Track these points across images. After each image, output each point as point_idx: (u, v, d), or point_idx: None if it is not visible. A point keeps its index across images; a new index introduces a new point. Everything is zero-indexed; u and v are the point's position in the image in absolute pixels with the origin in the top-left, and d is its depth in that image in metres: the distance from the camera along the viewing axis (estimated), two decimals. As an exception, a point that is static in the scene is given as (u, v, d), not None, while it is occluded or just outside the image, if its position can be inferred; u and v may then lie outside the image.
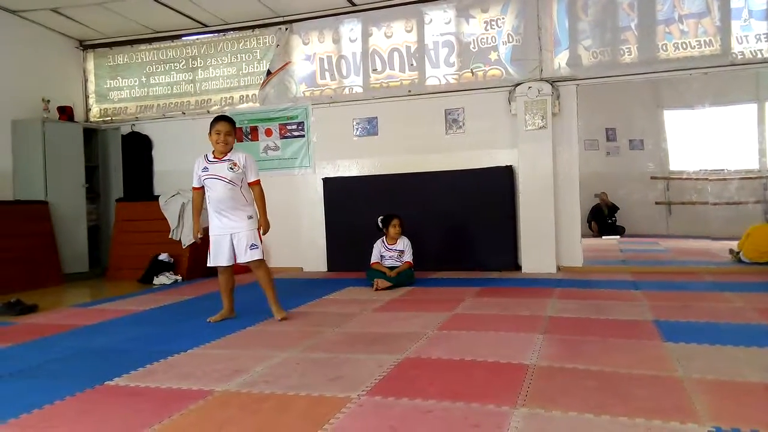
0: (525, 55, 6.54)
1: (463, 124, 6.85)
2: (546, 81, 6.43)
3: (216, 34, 7.88)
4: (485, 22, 6.70)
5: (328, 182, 7.27)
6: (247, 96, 7.73)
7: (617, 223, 10.46)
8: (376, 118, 7.17)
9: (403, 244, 5.97)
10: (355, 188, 7.13)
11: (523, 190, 6.52)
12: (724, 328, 3.61)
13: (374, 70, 7.16)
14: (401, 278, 5.74)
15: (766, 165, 9.08)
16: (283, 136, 7.56)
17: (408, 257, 5.93)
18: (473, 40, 6.76)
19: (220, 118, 4.30)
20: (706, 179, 9.07)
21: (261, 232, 4.41)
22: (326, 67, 7.38)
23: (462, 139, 6.86)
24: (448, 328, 3.89)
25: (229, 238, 4.26)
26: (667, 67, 6.14)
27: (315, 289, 5.83)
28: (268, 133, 7.61)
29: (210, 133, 4.28)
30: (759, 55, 5.85)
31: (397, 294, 5.33)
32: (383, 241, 6.00)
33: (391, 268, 5.81)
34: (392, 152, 7.08)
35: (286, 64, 7.54)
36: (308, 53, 7.46)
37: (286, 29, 7.50)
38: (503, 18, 6.63)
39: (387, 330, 3.91)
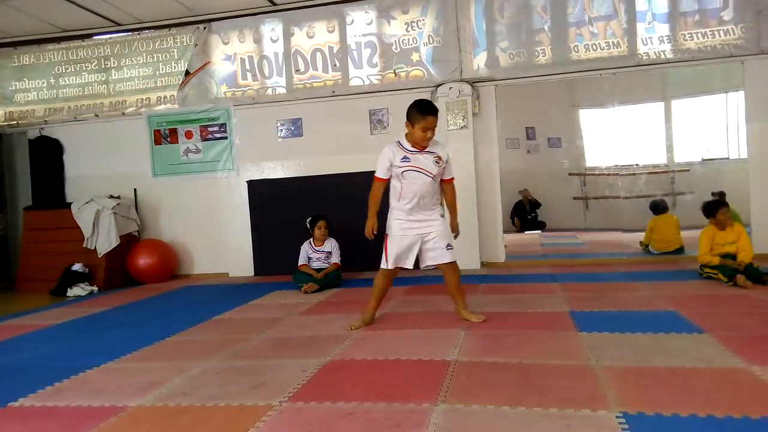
0: (445, 56, 6.65)
1: (388, 125, 6.89)
2: (466, 82, 6.57)
3: (130, 33, 7.56)
4: (406, 23, 6.77)
5: (252, 185, 7.13)
6: (165, 97, 7.47)
7: (538, 219, 10.83)
8: (301, 119, 7.10)
9: (331, 245, 5.94)
10: (280, 190, 7.03)
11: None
12: (633, 316, 3.80)
13: (297, 70, 7.08)
14: (329, 280, 5.71)
15: (673, 160, 9.66)
16: (204, 139, 7.35)
17: (336, 258, 5.90)
18: (395, 41, 6.80)
19: (433, 111, 3.67)
20: (618, 174, 9.56)
21: (457, 236, 4.04)
22: (248, 67, 7.24)
23: (387, 140, 6.81)
24: (374, 329, 3.89)
25: (420, 239, 3.86)
26: (579, 67, 6.40)
27: (241, 294, 5.70)
28: (189, 135, 7.38)
29: (412, 123, 3.69)
30: (662, 56, 6.21)
31: (325, 296, 5.30)
32: (310, 243, 5.95)
33: (319, 270, 5.77)
34: (318, 153, 7.02)
35: (206, 64, 7.34)
36: (228, 53, 7.29)
37: (205, 28, 7.30)
38: (423, 20, 6.71)
39: (313, 333, 3.88)
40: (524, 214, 11.01)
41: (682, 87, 9.51)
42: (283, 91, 7.14)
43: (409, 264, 3.86)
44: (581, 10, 6.37)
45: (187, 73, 7.38)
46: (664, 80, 9.53)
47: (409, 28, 6.76)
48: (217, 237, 7.24)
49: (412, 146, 3.76)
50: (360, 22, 6.90)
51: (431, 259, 3.86)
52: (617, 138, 9.06)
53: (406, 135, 3.80)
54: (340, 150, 6.94)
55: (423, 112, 3.64)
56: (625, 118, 9.64)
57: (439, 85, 6.61)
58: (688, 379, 2.62)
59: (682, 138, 9.71)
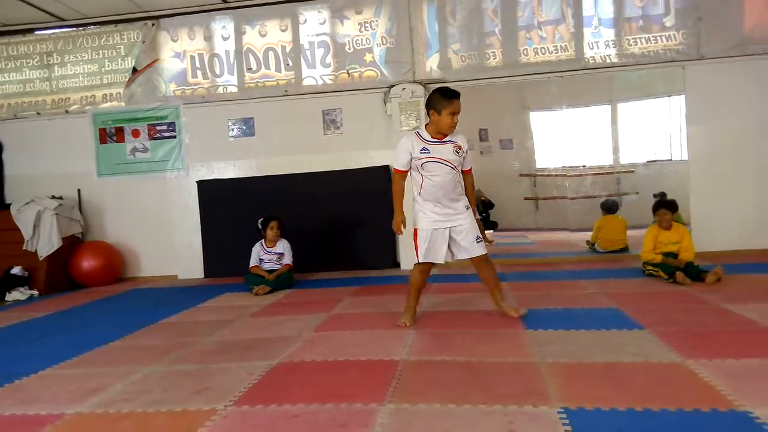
0: (398, 57, 6.67)
1: (341, 125, 6.87)
2: (419, 83, 6.61)
3: (74, 29, 7.30)
4: (359, 23, 6.76)
5: (203, 185, 7.00)
6: (111, 95, 7.25)
7: (491, 219, 10.99)
8: (253, 118, 7.00)
9: (283, 246, 5.88)
10: (232, 191, 6.91)
11: (400, 189, 6.64)
12: (578, 313, 3.89)
13: (249, 69, 6.98)
14: (281, 281, 5.65)
15: (619, 161, 9.97)
16: (152, 138, 7.17)
17: (288, 260, 5.84)
18: (348, 41, 6.79)
19: (457, 94, 3.58)
20: (565, 175, 9.80)
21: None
22: (198, 65, 7.10)
23: (340, 140, 6.87)
24: (325, 330, 3.87)
25: (448, 232, 3.74)
26: (528, 70, 6.53)
27: (190, 297, 5.58)
28: (136, 134, 7.18)
29: (438, 110, 3.57)
30: (608, 60, 6.39)
31: (276, 298, 5.24)
32: (262, 244, 5.87)
33: (271, 272, 5.70)
34: (270, 153, 6.95)
35: (154, 61, 7.16)
36: (178, 50, 7.13)
37: (153, 25, 7.12)
38: (377, 20, 6.72)
39: (262, 335, 3.82)
40: (477, 214, 11.15)
41: (627, 91, 9.82)
42: (234, 89, 7.03)
43: (441, 259, 3.77)
44: (530, 14, 6.49)
45: (134, 70, 7.19)
46: (610, 84, 9.82)
47: (363, 29, 6.76)
48: (165, 238, 7.07)
49: (432, 136, 3.68)
50: (313, 21, 6.85)
51: (464, 253, 3.76)
52: (565, 140, 9.29)
53: (427, 125, 3.72)
54: (293, 150, 6.89)
55: (449, 96, 3.57)
56: (573, 120, 9.90)
57: (392, 86, 6.63)
58: (626, 374, 2.70)
59: (628, 140, 10.03)
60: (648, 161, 9.76)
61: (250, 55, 6.97)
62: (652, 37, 6.28)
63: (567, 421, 2.18)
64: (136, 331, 4.18)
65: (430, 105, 3.64)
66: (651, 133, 9.86)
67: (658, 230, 5.11)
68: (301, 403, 2.53)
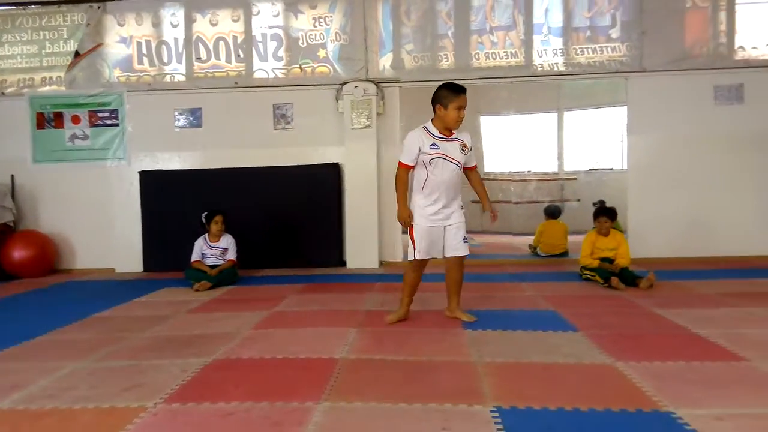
0: (352, 54, 6.65)
1: (292, 120, 6.79)
2: (371, 81, 6.60)
3: (14, 7, 6.95)
4: (314, 18, 6.70)
5: (145, 176, 6.78)
6: (51, 78, 6.94)
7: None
8: (201, 109, 6.84)
9: (227, 241, 5.76)
10: (176, 183, 6.73)
11: (349, 188, 6.63)
12: (517, 315, 3.96)
13: (198, 58, 6.82)
14: (223, 277, 5.53)
15: (563, 168, 10.22)
16: (93, 125, 6.90)
17: (231, 255, 5.73)
18: (302, 35, 6.72)
19: (463, 90, 3.57)
20: (511, 180, 9.99)
21: (494, 219, 3.95)
22: (144, 51, 6.88)
23: (290, 135, 6.79)
24: (265, 327, 3.81)
25: (442, 230, 3.71)
26: (479, 74, 6.61)
27: (127, 291, 5.40)
28: (76, 120, 6.90)
29: (445, 105, 3.56)
30: (556, 68, 6.54)
31: (217, 294, 5.13)
32: (205, 239, 5.74)
33: (213, 267, 5.58)
34: (217, 146, 6.80)
35: (98, 45, 6.89)
36: (124, 36, 6.89)
37: (99, 8, 6.85)
38: (331, 16, 6.68)
39: (199, 332, 3.73)
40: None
41: (574, 99, 10.08)
42: (182, 78, 6.84)
43: (438, 255, 3.74)
44: (483, 19, 6.58)
45: (76, 54, 6.90)
46: (558, 92, 10.06)
47: (317, 24, 6.70)
48: (103, 230, 6.82)
49: (440, 132, 3.63)
50: (266, 13, 6.75)
51: (452, 250, 3.74)
52: (513, 145, 9.47)
53: (433, 120, 3.66)
54: (242, 143, 6.76)
55: (456, 90, 3.56)
56: (520, 126, 10.10)
57: (345, 83, 6.59)
58: (559, 374, 2.77)
59: (572, 148, 10.30)
60: (590, 169, 10.06)
61: (200, 44, 6.80)
62: (599, 47, 6.47)
63: (499, 420, 2.21)
64: (66, 326, 4.01)
65: (436, 100, 3.61)
66: (594, 142, 10.16)
67: (596, 236, 5.26)
68: (235, 401, 2.48)
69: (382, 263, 6.66)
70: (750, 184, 6.39)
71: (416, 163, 3.67)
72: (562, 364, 2.89)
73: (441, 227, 3.70)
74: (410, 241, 3.74)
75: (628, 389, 2.53)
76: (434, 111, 3.65)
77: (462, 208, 3.79)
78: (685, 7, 6.42)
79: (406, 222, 3.74)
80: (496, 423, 2.19)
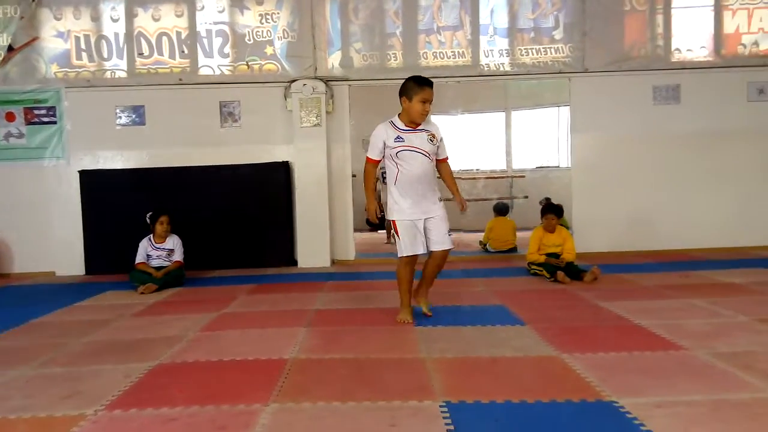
0: (300, 52, 6.58)
1: (239, 118, 6.67)
2: (320, 79, 6.55)
3: (-61, -2, 6.58)
4: (260, 14, 6.60)
5: (86, 175, 6.53)
6: (-18, 73, 6.60)
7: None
8: (144, 106, 6.63)
9: (173, 242, 5.61)
10: (119, 182, 6.51)
11: (299, 187, 6.57)
12: (466, 310, 4.01)
13: (140, 54, 6.61)
14: (169, 279, 5.39)
15: (511, 166, 10.43)
16: (29, 122, 6.59)
17: (178, 256, 5.58)
18: (248, 32, 6.61)
19: (429, 82, 3.55)
20: (460, 178, 10.12)
21: (462, 210, 3.86)
22: (83, 46, 6.62)
23: (238, 133, 6.67)
24: (213, 329, 3.73)
25: (422, 224, 3.63)
26: (427, 74, 6.45)
27: (68, 295, 5.18)
28: (10, 117, 6.58)
29: (410, 97, 3.52)
30: (502, 68, 6.66)
31: (164, 296, 4.99)
32: (150, 240, 5.58)
33: (159, 269, 5.42)
34: (162, 144, 6.61)
35: (33, 39, 6.59)
36: (61, 30, 6.62)
37: (33, 1, 6.55)
38: (278, 13, 6.59)
39: (144, 336, 3.62)
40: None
41: (521, 99, 10.30)
42: (123, 75, 6.62)
43: (422, 249, 3.67)
44: (430, 18, 6.63)
45: (10, 48, 6.58)
46: (505, 92, 10.25)
47: (264, 20, 6.61)
48: (42, 232, 6.53)
49: (406, 125, 3.61)
50: (211, 8, 6.60)
51: (437, 244, 3.68)
52: (461, 144, 9.59)
53: (400, 114, 3.64)
54: (188, 142, 6.60)
55: (420, 83, 3.53)
56: (469, 125, 10.25)
57: (293, 81, 6.53)
58: (507, 367, 2.81)
59: (520, 146, 10.52)
60: (537, 167, 10.29)
61: (142, 39, 6.60)
62: (543, 48, 6.62)
63: (447, 415, 2.23)
64: (2, 333, 3.82)
65: (402, 92, 3.59)
66: (541, 140, 10.41)
67: (542, 233, 5.39)
68: (179, 406, 2.41)
69: (334, 262, 6.63)
70: (689, 180, 6.67)
71: (383, 157, 3.66)
72: (509, 358, 2.94)
73: (421, 221, 3.65)
74: (396, 237, 3.72)
75: (572, 380, 2.60)
76: (401, 103, 3.62)
77: (441, 200, 3.75)
78: (625, 10, 6.64)
79: (373, 216, 3.75)
80: (444, 418, 2.21)
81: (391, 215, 3.70)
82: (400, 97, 3.62)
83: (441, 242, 3.68)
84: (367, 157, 3.71)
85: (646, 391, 2.43)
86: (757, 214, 6.66)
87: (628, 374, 2.65)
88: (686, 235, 6.65)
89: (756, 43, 6.65)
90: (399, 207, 3.65)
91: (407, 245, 3.64)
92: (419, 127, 3.62)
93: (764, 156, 6.66)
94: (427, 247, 3.70)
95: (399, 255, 3.70)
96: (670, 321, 3.56)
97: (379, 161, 3.69)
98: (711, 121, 6.62)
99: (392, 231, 3.82)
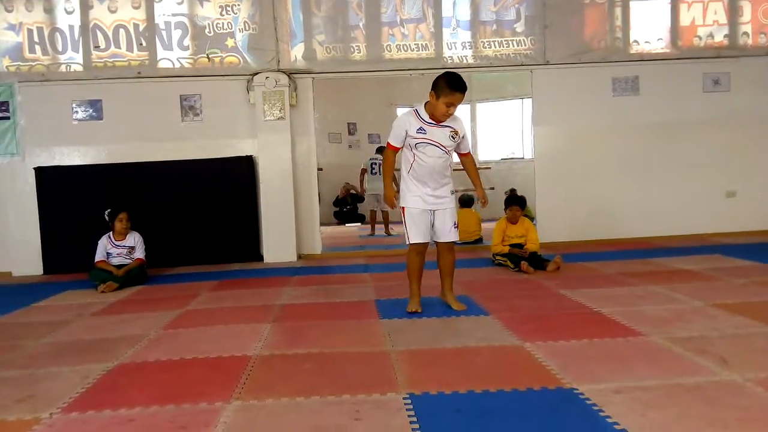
0: (262, 44, 6.49)
1: (201, 112, 6.56)
2: (283, 72, 6.48)
3: None
4: (220, 6, 6.48)
5: (42, 172, 6.34)
6: (-72, 67, 6.34)
7: (359, 212, 11.13)
8: (101, 100, 6.46)
9: (134, 239, 5.50)
10: (76, 179, 6.34)
11: (263, 181, 6.50)
12: (431, 301, 4.02)
13: (96, 47, 6.43)
14: (130, 277, 5.28)
15: (477, 158, 10.50)
16: (-20, 118, 6.37)
17: (139, 254, 5.47)
18: (208, 24, 6.49)
19: (463, 88, 3.43)
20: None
21: (483, 205, 3.92)
22: (36, 39, 6.41)
23: (200, 128, 6.56)
24: (175, 327, 3.67)
25: (431, 214, 3.64)
26: (390, 66, 6.66)
27: (24, 295, 5.04)
28: (-41, 113, 6.34)
29: (437, 95, 3.42)
30: (465, 61, 6.69)
31: (125, 294, 4.89)
32: (110, 237, 5.45)
33: (120, 267, 5.31)
34: (121, 139, 6.45)
35: (-18, 32, 6.36)
36: (12, 22, 6.40)
37: (-19, -8, 6.32)
38: (239, 5, 6.49)
39: (103, 336, 3.54)
40: (345, 207, 11.28)
41: (485, 91, 10.38)
42: (79, 68, 6.44)
43: (429, 239, 3.72)
44: (393, 11, 6.62)
45: (-43, 41, 6.34)
46: (470, 84, 10.28)
47: (224, 12, 6.49)
48: (-4, 231, 6.33)
49: (430, 117, 3.54)
50: (169, 0, 6.45)
51: (442, 236, 3.72)
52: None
53: (426, 104, 3.56)
54: (148, 137, 6.46)
55: (452, 87, 3.42)
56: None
57: (256, 74, 6.44)
58: (471, 358, 2.84)
59: (485, 138, 10.61)
60: (502, 159, 10.40)
61: (98, 31, 6.42)
62: (505, 41, 6.68)
63: (411, 406, 2.24)
64: (-49, 335, 3.68)
65: (433, 86, 3.50)
66: (505, 132, 10.52)
67: (506, 224, 5.45)
68: (139, 406, 2.36)
69: (300, 256, 6.59)
70: (648, 170, 6.82)
71: (403, 146, 3.64)
72: (473, 348, 2.97)
73: (430, 212, 3.68)
74: (404, 225, 3.73)
75: (534, 369, 2.63)
76: (429, 95, 3.54)
77: (453, 192, 3.77)
78: (584, 2, 6.74)
79: (392, 203, 3.75)
80: (407, 409, 2.21)
81: (402, 202, 3.71)
82: (431, 89, 3.52)
83: (446, 234, 3.73)
84: (388, 143, 3.69)
85: (605, 377, 2.48)
86: (712, 201, 6.86)
87: (589, 361, 2.70)
88: (646, 224, 6.82)
89: (711, 35, 6.82)
90: (410, 195, 3.66)
91: (416, 233, 3.67)
92: (444, 123, 3.57)
93: (718, 145, 6.85)
94: (433, 238, 3.75)
95: (408, 243, 3.73)
96: (630, 308, 3.64)
97: (400, 149, 3.66)
98: (669, 112, 6.78)
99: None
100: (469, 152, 3.87)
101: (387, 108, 11.15)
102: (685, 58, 6.79)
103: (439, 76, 3.53)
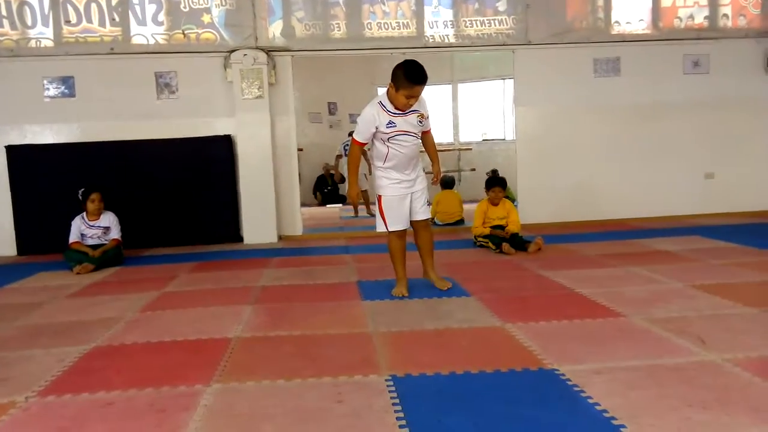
0: (239, 21, 6.35)
1: (177, 90, 6.41)
2: (262, 50, 6.35)
3: None
4: (196, -19, 6.31)
5: (12, 151, 6.17)
6: None
7: (340, 193, 11.07)
8: (73, 77, 6.28)
9: (109, 219, 5.39)
10: (49, 158, 6.19)
11: (242, 161, 6.40)
12: (412, 283, 3.98)
13: (67, 21, 6.23)
14: (107, 258, 5.18)
15: (459, 139, 10.49)
16: (-54, 94, 6.14)
17: (115, 234, 5.37)
18: (184, -1, 6.32)
19: (422, 80, 3.36)
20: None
21: (434, 182, 3.96)
22: (4, 13, 6.19)
23: (176, 106, 6.41)
24: (153, 309, 3.61)
25: (409, 198, 3.67)
26: (371, 45, 6.56)
27: (-4, 277, 4.92)
28: (-76, 89, 6.12)
29: (396, 87, 3.36)
30: (446, 40, 6.62)
31: (101, 276, 4.80)
32: (83, 218, 5.34)
33: (96, 248, 5.20)
34: (94, 117, 6.29)
35: (-53, 4, 6.11)
36: (-22, -5, 6.15)
37: (-56, -39, 6.06)
38: (215, -21, 6.32)
39: (79, 318, 3.47)
40: (326, 188, 11.20)
41: (466, 71, 10.32)
42: (50, 44, 6.23)
43: (407, 224, 3.73)
44: (374, -13, 6.51)
45: None
46: (452, 64, 10.25)
47: (200, -13, 6.32)
48: (-34, 212, 6.16)
49: (396, 107, 3.48)
50: (144, -26, 6.27)
51: (417, 215, 3.74)
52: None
53: (387, 93, 3.48)
54: (122, 115, 6.31)
55: (411, 80, 3.33)
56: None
57: (233, 51, 6.30)
58: (453, 339, 2.83)
59: (467, 119, 10.58)
60: (483, 140, 10.39)
61: (69, 5, 6.21)
62: (486, 20, 6.62)
63: (393, 388, 2.22)
64: None
65: (392, 77, 3.42)
66: (487, 113, 10.49)
67: (487, 205, 5.44)
68: (117, 389, 2.32)
69: (281, 237, 6.53)
70: (628, 151, 6.86)
71: (373, 138, 3.60)
72: (455, 330, 2.96)
73: (408, 197, 3.70)
74: (379, 215, 3.71)
75: (516, 350, 2.64)
76: (388, 86, 3.47)
77: (422, 170, 3.80)
78: (567, -18, 6.69)
79: (354, 201, 3.71)
80: (390, 391, 2.20)
81: (380, 191, 3.69)
82: (390, 79, 3.44)
83: (420, 212, 3.76)
84: (354, 139, 3.63)
85: (586, 357, 2.49)
86: (691, 182, 6.94)
87: (569, 342, 2.71)
88: (626, 205, 6.88)
89: (691, 17, 6.84)
90: (388, 182, 3.65)
91: (396, 220, 3.68)
92: (410, 109, 3.52)
93: (698, 128, 6.91)
94: (410, 217, 3.76)
95: (387, 230, 3.71)
96: (610, 289, 3.67)
97: (366, 144, 3.66)
98: (649, 93, 6.81)
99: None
100: (430, 130, 3.80)
101: (368, 87, 11.04)
102: (666, 39, 6.81)
103: (398, 65, 3.42)
